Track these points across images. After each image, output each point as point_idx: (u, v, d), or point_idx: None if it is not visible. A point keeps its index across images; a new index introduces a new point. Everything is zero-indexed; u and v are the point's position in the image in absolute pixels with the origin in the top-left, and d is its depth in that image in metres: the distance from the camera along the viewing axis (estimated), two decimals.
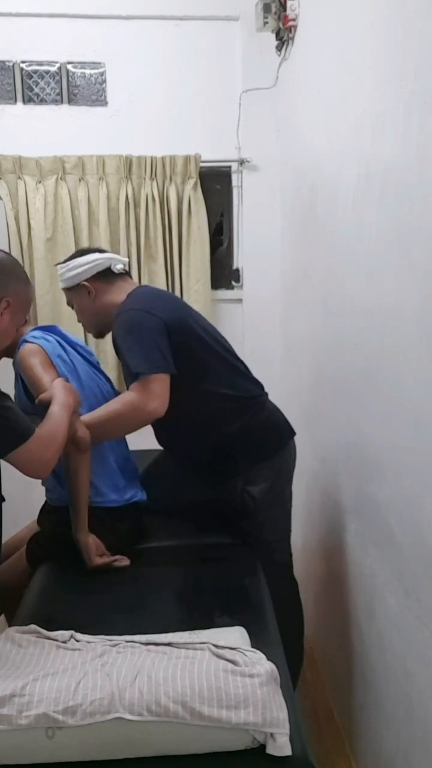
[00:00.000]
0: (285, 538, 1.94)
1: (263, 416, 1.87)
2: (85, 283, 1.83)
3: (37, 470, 1.41)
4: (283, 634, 1.44)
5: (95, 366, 1.89)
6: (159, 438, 1.96)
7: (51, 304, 2.98)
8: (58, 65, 2.92)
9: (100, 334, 1.97)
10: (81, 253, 1.89)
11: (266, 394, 1.92)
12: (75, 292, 1.86)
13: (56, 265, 1.93)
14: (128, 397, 1.69)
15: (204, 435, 1.82)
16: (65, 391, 1.54)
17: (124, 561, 1.69)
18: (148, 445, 2.41)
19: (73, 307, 1.92)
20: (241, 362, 1.91)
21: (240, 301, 3.15)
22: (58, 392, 1.52)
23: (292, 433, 1.92)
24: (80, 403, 1.59)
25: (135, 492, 1.84)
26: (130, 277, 1.92)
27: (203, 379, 1.78)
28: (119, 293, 1.83)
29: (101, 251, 1.91)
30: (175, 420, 1.74)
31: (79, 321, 1.96)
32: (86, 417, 1.64)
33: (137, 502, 1.83)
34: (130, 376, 1.71)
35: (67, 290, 1.89)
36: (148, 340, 1.67)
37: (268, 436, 1.86)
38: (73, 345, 1.82)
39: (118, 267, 1.85)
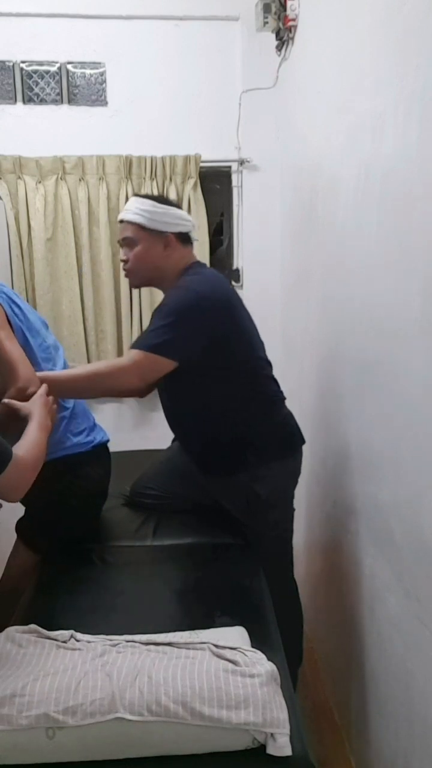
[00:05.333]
0: (286, 539, 1.93)
1: (280, 417, 1.87)
2: (171, 235, 1.77)
3: (11, 497, 1.31)
4: (282, 635, 1.44)
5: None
6: (173, 424, 1.93)
7: (51, 303, 2.98)
8: (58, 65, 2.91)
9: (138, 285, 1.93)
10: (169, 202, 1.83)
11: (284, 397, 1.91)
12: (150, 235, 1.77)
13: (144, 197, 1.82)
14: (115, 361, 1.69)
15: (222, 426, 1.81)
16: (43, 410, 1.46)
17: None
18: (148, 445, 2.41)
19: (122, 246, 1.83)
20: (270, 364, 1.90)
21: None
22: (36, 411, 1.44)
23: (303, 440, 1.92)
24: (56, 421, 1.52)
25: (97, 434, 1.87)
26: None
27: (236, 374, 1.77)
28: (184, 260, 1.81)
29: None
30: (197, 406, 1.75)
31: (125, 266, 1.85)
32: (65, 372, 1.62)
33: (103, 443, 1.86)
34: (139, 339, 1.69)
35: (141, 229, 1.77)
36: (185, 328, 1.65)
37: (281, 437, 1.86)
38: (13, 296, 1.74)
39: (193, 235, 1.83)
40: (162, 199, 1.84)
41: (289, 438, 1.89)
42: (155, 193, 2.92)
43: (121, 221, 1.82)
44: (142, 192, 2.92)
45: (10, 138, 2.88)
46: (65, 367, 1.83)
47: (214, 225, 3.11)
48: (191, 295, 1.70)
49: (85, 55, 2.91)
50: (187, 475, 1.95)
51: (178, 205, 1.85)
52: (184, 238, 1.82)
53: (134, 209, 1.78)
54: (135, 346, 1.68)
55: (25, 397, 1.51)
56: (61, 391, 1.77)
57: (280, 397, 1.89)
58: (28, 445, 1.33)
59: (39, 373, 1.74)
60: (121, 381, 1.66)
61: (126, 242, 1.81)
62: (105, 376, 1.67)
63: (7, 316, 1.61)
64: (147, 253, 1.78)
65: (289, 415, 1.91)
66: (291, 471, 1.90)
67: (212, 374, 1.73)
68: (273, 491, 1.82)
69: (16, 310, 1.66)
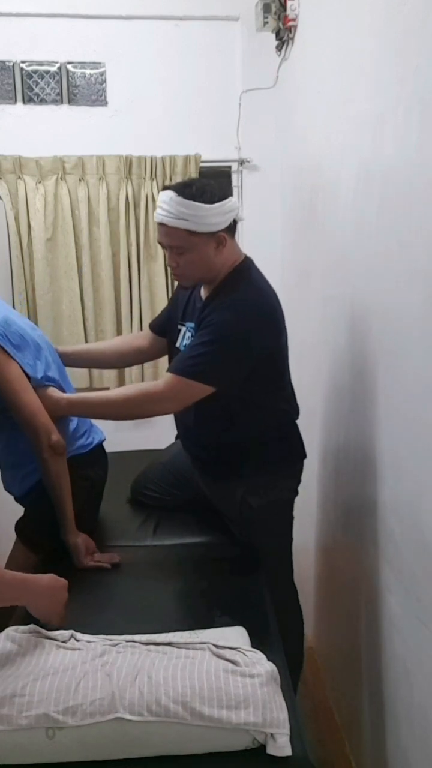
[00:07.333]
0: (283, 547, 1.89)
1: (285, 435, 1.83)
2: (223, 233, 1.60)
3: None
4: (283, 640, 1.43)
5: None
6: (178, 419, 1.87)
7: (51, 303, 2.98)
8: (58, 65, 2.91)
9: (191, 287, 1.76)
10: (215, 195, 1.57)
11: (297, 416, 1.88)
12: (201, 239, 1.58)
13: (187, 196, 1.54)
14: (150, 387, 1.65)
15: (228, 435, 1.77)
16: (50, 606, 1.31)
17: (114, 558, 1.68)
18: (148, 445, 2.41)
19: (164, 247, 1.65)
20: (291, 383, 1.85)
21: None
22: (37, 597, 1.29)
23: (304, 455, 1.88)
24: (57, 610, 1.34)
25: (96, 434, 1.87)
26: None
27: (261, 394, 1.74)
28: (233, 254, 1.68)
29: None
30: (210, 413, 1.71)
31: (175, 271, 1.69)
32: (97, 396, 1.58)
33: (100, 443, 1.87)
34: (177, 363, 1.64)
35: (191, 234, 1.57)
36: (226, 354, 1.60)
37: (282, 454, 1.83)
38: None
39: (239, 217, 1.65)
40: (208, 196, 1.57)
41: (290, 454, 1.85)
42: (155, 193, 2.91)
43: (162, 225, 1.60)
44: (142, 193, 2.91)
45: (10, 138, 2.88)
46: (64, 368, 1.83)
47: None
48: (236, 318, 1.60)
49: (85, 55, 2.91)
50: (187, 479, 1.94)
51: (225, 193, 1.66)
52: (233, 227, 1.67)
53: (178, 213, 1.55)
54: (172, 369, 1.62)
55: (51, 446, 1.55)
56: (92, 414, 1.76)
57: (292, 417, 1.85)
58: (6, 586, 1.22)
59: (73, 396, 1.73)
60: (156, 407, 1.63)
61: (174, 249, 1.63)
62: (141, 402, 1.63)
63: (10, 355, 1.55)
64: (200, 257, 1.62)
65: (295, 433, 1.86)
66: (288, 485, 1.86)
67: (237, 392, 1.69)
68: (267, 503, 1.78)
69: (17, 340, 1.59)
